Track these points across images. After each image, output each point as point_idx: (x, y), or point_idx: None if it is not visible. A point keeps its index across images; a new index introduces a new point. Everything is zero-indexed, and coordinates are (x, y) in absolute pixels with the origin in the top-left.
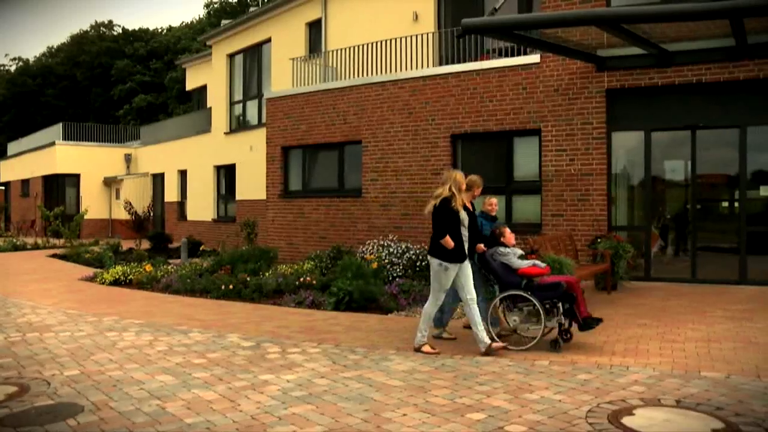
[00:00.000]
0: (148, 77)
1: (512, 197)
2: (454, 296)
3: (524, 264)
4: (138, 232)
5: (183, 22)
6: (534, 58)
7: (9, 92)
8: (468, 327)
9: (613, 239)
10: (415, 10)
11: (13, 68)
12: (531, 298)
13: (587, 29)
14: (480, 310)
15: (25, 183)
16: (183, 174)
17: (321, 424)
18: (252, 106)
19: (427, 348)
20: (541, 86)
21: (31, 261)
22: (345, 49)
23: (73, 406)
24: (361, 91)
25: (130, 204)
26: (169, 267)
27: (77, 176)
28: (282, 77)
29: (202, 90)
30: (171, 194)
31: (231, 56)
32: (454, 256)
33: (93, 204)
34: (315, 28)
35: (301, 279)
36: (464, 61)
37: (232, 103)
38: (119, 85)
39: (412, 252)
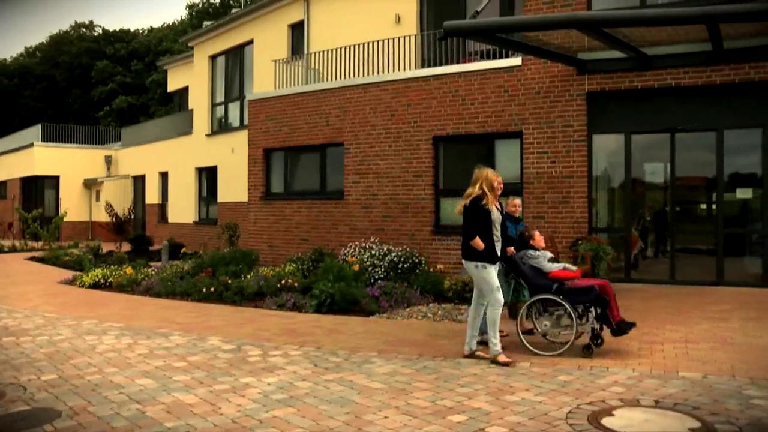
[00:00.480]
0: (129, 78)
1: None
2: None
3: (555, 267)
4: (118, 235)
5: (164, 24)
6: (516, 60)
7: None
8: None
9: (593, 241)
10: (397, 12)
11: None
12: (563, 302)
13: (568, 32)
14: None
15: (2, 185)
16: (164, 176)
17: (302, 427)
18: (234, 108)
19: (502, 357)
20: (522, 89)
21: (8, 264)
22: (327, 51)
23: (51, 411)
24: (343, 93)
25: (111, 206)
26: (150, 270)
27: (56, 178)
28: (264, 79)
29: (184, 91)
30: (152, 196)
31: (213, 58)
32: (488, 257)
33: (72, 206)
34: (297, 30)
35: (283, 281)
36: (446, 64)
37: (213, 105)
38: (99, 86)
39: (393, 254)
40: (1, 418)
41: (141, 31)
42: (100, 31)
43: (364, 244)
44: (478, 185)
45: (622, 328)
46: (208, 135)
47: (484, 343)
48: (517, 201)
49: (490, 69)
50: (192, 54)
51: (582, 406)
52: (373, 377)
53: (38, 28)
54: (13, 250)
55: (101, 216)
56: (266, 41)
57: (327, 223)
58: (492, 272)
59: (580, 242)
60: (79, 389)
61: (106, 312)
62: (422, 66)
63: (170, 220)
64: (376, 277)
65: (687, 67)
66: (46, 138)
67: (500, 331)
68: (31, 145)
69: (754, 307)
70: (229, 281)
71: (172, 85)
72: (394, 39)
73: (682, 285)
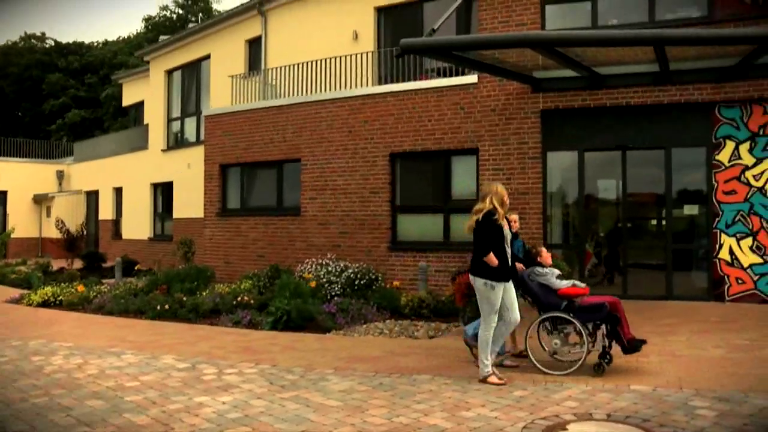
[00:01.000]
0: (83, 92)
1: (450, 216)
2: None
3: (564, 284)
4: (70, 251)
5: (120, 37)
6: (472, 78)
7: None
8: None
9: None
10: (354, 29)
11: None
12: (573, 320)
13: (523, 51)
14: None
15: None
16: (118, 191)
17: None
18: (190, 123)
19: (493, 378)
20: (478, 106)
21: None
22: (285, 67)
23: None
24: (300, 109)
25: (62, 222)
26: (103, 287)
27: (4, 193)
28: (221, 94)
29: (139, 106)
30: (105, 212)
31: (169, 72)
32: (500, 274)
33: (21, 222)
34: (255, 46)
35: (239, 298)
36: (403, 81)
37: (169, 120)
38: (51, 99)
39: (350, 270)
40: None
41: (95, 44)
42: (52, 43)
43: (320, 261)
44: (488, 200)
45: (634, 345)
46: (163, 150)
47: (502, 365)
48: (515, 216)
49: (446, 86)
50: (148, 68)
51: (536, 421)
52: (329, 395)
53: None
54: None
55: (52, 232)
56: (223, 56)
57: (284, 239)
58: (498, 293)
59: None
60: (22, 413)
61: (55, 331)
62: (379, 83)
63: (124, 236)
64: (333, 293)
65: (637, 87)
66: None
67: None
68: None
69: (699, 320)
70: (184, 298)
71: (127, 99)
72: (351, 56)
73: (634, 300)
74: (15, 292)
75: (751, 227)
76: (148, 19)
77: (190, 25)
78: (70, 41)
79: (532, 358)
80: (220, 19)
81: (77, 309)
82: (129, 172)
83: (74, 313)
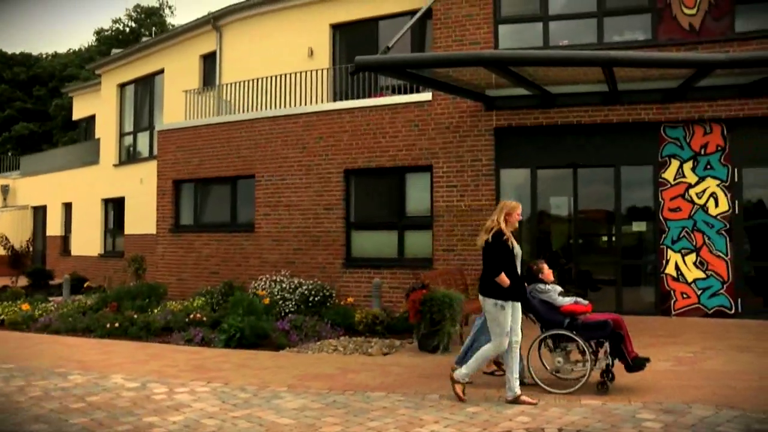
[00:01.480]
0: (30, 104)
1: (404, 232)
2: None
3: (567, 301)
4: (15, 269)
5: (70, 49)
6: (426, 96)
7: None
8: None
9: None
10: (310, 45)
11: None
12: (576, 338)
13: (477, 70)
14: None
15: None
16: (68, 207)
17: None
18: (143, 138)
19: (524, 398)
20: (432, 123)
21: None
22: (240, 83)
23: None
24: (254, 125)
25: (6, 238)
26: (49, 305)
27: None
28: (175, 109)
29: (90, 120)
30: (54, 228)
31: (122, 86)
32: (511, 294)
33: None
34: (209, 61)
35: (191, 316)
36: (358, 98)
37: (122, 135)
38: None
39: (304, 287)
40: None
41: (44, 56)
42: None
43: (274, 277)
44: (496, 217)
45: (638, 363)
46: (115, 165)
47: (522, 383)
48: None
49: (400, 103)
50: (99, 81)
51: None
52: (282, 413)
53: None
54: None
55: None
56: (177, 71)
57: (237, 255)
58: (508, 314)
59: None
60: None
61: None
62: (334, 99)
63: (73, 252)
64: (287, 310)
65: (587, 106)
66: None
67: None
68: None
69: (648, 334)
70: (135, 316)
71: (78, 112)
72: (306, 72)
73: None
74: None
75: (695, 243)
76: (99, 32)
77: (144, 39)
78: (17, 52)
79: (534, 377)
80: (174, 34)
81: (21, 328)
82: (79, 187)
83: (18, 333)
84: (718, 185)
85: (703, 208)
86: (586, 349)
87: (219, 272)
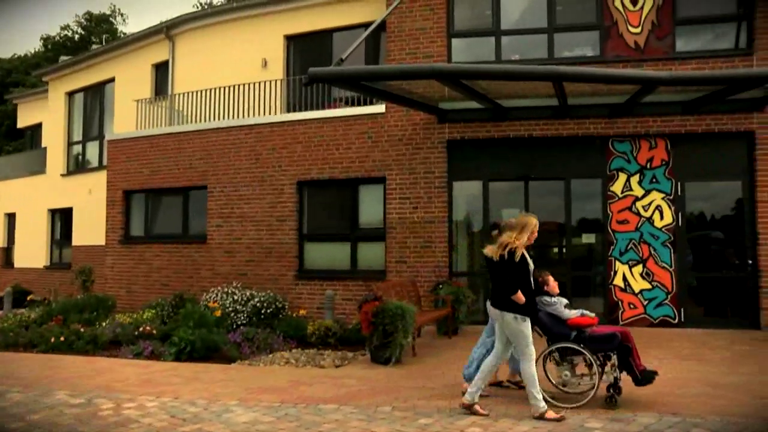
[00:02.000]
0: None
1: (357, 244)
2: (489, 350)
3: (573, 314)
4: None
5: (15, 55)
6: (380, 108)
7: None
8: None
9: (454, 285)
10: (264, 56)
11: None
12: (584, 351)
13: (430, 82)
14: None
15: None
16: (11, 217)
17: None
18: (92, 147)
19: (550, 413)
20: (386, 135)
21: None
22: (193, 93)
23: None
24: (207, 135)
25: None
26: None
27: None
28: (126, 119)
29: (37, 128)
30: None
31: (70, 94)
32: (528, 309)
33: None
34: (162, 70)
35: (141, 328)
36: (312, 109)
37: (70, 144)
38: None
39: (256, 299)
40: None
41: None
42: None
43: (226, 289)
44: (516, 235)
45: (647, 376)
46: (63, 175)
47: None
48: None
49: (354, 115)
50: (47, 89)
51: None
52: (233, 427)
53: None
54: None
55: None
56: (129, 80)
57: (189, 267)
58: (529, 324)
59: (441, 286)
60: None
61: None
62: (288, 110)
63: (17, 264)
64: (239, 322)
65: (538, 120)
66: None
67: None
68: None
69: None
70: (82, 329)
71: (23, 120)
72: (260, 83)
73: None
74: None
75: (641, 255)
76: (47, 39)
77: (94, 46)
78: None
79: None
80: (125, 42)
81: None
82: (24, 197)
83: None
84: (663, 198)
85: (649, 220)
86: (594, 362)
87: (170, 284)
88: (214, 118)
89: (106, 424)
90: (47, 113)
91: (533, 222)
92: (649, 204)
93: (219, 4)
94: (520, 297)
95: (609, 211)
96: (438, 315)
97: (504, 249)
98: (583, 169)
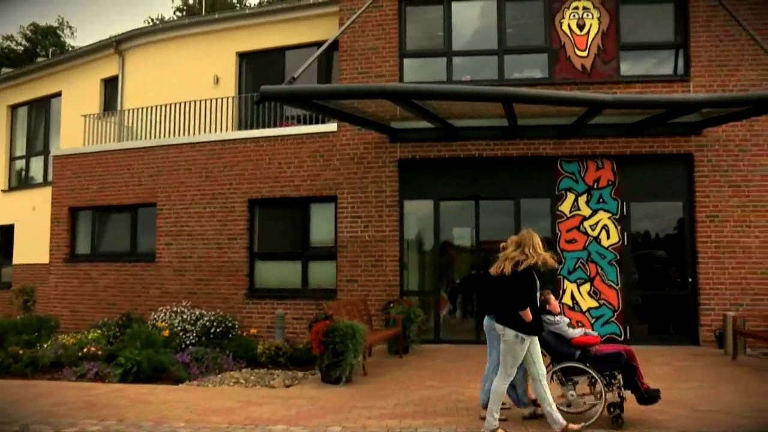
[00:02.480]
0: None
1: (308, 263)
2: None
3: (577, 333)
4: None
5: None
6: (331, 126)
7: None
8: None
9: (404, 304)
10: (216, 73)
11: None
12: (589, 370)
13: (381, 102)
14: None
15: None
16: None
17: None
18: (37, 163)
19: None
20: (337, 154)
21: None
22: (143, 109)
23: None
24: (157, 152)
25: None
26: None
27: None
28: (73, 134)
29: None
30: None
31: (13, 108)
32: (534, 328)
33: None
34: (111, 85)
35: (85, 349)
36: (264, 127)
37: (12, 159)
38: None
39: (206, 318)
40: None
41: None
42: None
43: (175, 308)
44: (527, 250)
45: (652, 395)
46: (4, 191)
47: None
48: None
49: (306, 134)
50: None
51: None
52: None
53: None
54: None
55: None
56: (77, 94)
57: (137, 286)
58: (525, 347)
59: (391, 305)
60: None
61: None
62: (239, 128)
63: None
64: (188, 342)
65: (488, 140)
66: None
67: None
68: None
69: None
70: (20, 351)
71: None
72: (211, 100)
73: (486, 344)
74: None
75: (589, 274)
76: None
77: (39, 59)
78: None
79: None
80: (74, 56)
81: None
82: None
83: None
84: (609, 218)
85: (596, 239)
86: (600, 381)
87: (117, 303)
88: (165, 135)
89: None
90: None
91: (536, 236)
92: (596, 223)
93: (171, 19)
94: (528, 314)
95: (558, 231)
96: (389, 334)
97: (519, 265)
98: (533, 189)
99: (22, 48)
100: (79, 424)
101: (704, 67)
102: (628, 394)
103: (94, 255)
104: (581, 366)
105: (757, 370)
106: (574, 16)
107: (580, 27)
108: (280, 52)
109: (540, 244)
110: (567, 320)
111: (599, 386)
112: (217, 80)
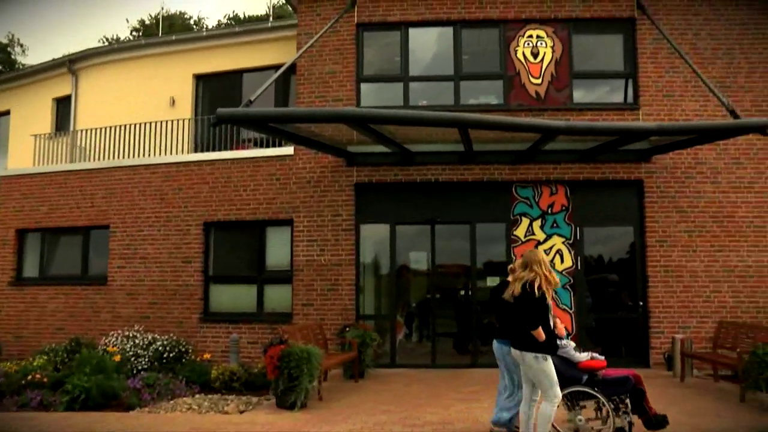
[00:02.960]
0: None
1: (264, 286)
2: (513, 391)
3: (584, 357)
4: None
5: None
6: (288, 150)
7: None
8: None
9: (360, 328)
10: (172, 94)
11: None
12: (597, 395)
13: (338, 126)
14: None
15: None
16: None
17: None
18: None
19: None
20: (294, 178)
21: None
22: (97, 130)
23: None
24: (110, 173)
25: None
26: None
27: None
28: (22, 154)
29: None
30: None
31: None
32: (549, 347)
33: None
34: (64, 105)
35: (29, 377)
36: (220, 149)
37: None
38: None
39: (159, 343)
40: None
41: None
42: None
43: (127, 333)
44: (537, 269)
45: (660, 420)
46: None
47: None
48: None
49: (262, 157)
50: None
51: None
52: None
53: None
54: None
55: None
56: (26, 113)
57: (87, 310)
58: (551, 364)
59: (347, 329)
60: None
61: None
62: (195, 150)
63: None
64: (140, 367)
65: (444, 165)
66: None
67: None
68: None
69: None
70: None
71: None
72: (167, 122)
73: (442, 368)
74: None
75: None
76: None
77: None
78: None
79: None
80: (24, 74)
81: None
82: None
83: None
84: (563, 242)
85: (551, 263)
86: (608, 406)
87: (66, 328)
88: (119, 156)
89: None
90: None
91: (540, 256)
92: (551, 248)
93: (127, 39)
94: (540, 333)
95: (513, 255)
96: (344, 358)
97: (534, 287)
98: (488, 214)
99: None
100: None
101: (652, 96)
102: (634, 418)
103: (42, 278)
104: (590, 390)
105: (703, 391)
106: (528, 44)
107: (534, 55)
108: (237, 74)
109: (545, 259)
110: (573, 344)
111: (606, 410)
112: (173, 102)
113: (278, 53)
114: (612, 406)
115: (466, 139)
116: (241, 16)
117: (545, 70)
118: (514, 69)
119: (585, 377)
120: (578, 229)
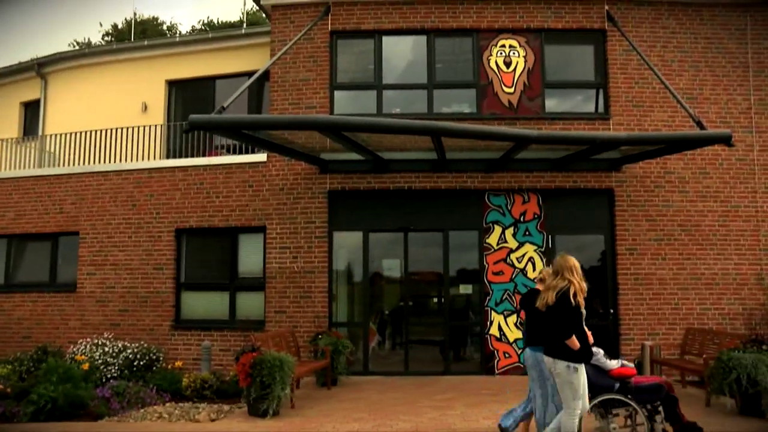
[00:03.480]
0: None
1: (236, 294)
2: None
3: (615, 364)
4: None
5: None
6: (261, 156)
7: None
8: None
9: (333, 335)
10: (144, 100)
11: None
12: (631, 402)
13: (311, 133)
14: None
15: None
16: None
17: None
18: None
19: None
20: (267, 185)
21: None
22: (66, 135)
23: None
24: (81, 179)
25: None
26: None
27: None
28: None
29: None
30: None
31: None
32: (583, 356)
33: None
34: (32, 109)
35: None
36: (193, 156)
37: None
38: None
39: (129, 351)
40: None
41: None
42: None
43: (96, 340)
44: (568, 276)
45: (691, 428)
46: None
47: None
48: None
49: (235, 163)
50: None
51: None
52: None
53: None
54: None
55: None
56: None
57: (56, 318)
58: (582, 376)
59: (320, 336)
60: None
61: None
62: (168, 156)
63: None
64: (109, 375)
65: (418, 173)
66: None
67: None
68: None
69: (473, 393)
70: None
71: None
72: (139, 127)
73: (415, 376)
74: None
75: (515, 305)
76: None
77: None
78: None
79: None
80: None
81: None
82: None
83: None
84: (535, 250)
85: (523, 271)
86: (642, 414)
87: (33, 336)
88: (90, 162)
89: None
90: None
91: (571, 262)
92: (523, 256)
93: (99, 44)
94: (575, 342)
95: (485, 263)
96: (317, 366)
97: (570, 295)
98: (461, 222)
99: None
100: None
101: (622, 106)
102: (667, 426)
103: (8, 285)
104: (623, 398)
105: None
106: (501, 53)
107: (507, 64)
108: (210, 81)
109: (577, 265)
110: (602, 351)
111: (640, 418)
112: (145, 107)
113: (252, 60)
114: (645, 413)
115: (439, 148)
116: (215, 22)
117: (518, 79)
118: (487, 78)
119: (617, 385)
120: (550, 237)
